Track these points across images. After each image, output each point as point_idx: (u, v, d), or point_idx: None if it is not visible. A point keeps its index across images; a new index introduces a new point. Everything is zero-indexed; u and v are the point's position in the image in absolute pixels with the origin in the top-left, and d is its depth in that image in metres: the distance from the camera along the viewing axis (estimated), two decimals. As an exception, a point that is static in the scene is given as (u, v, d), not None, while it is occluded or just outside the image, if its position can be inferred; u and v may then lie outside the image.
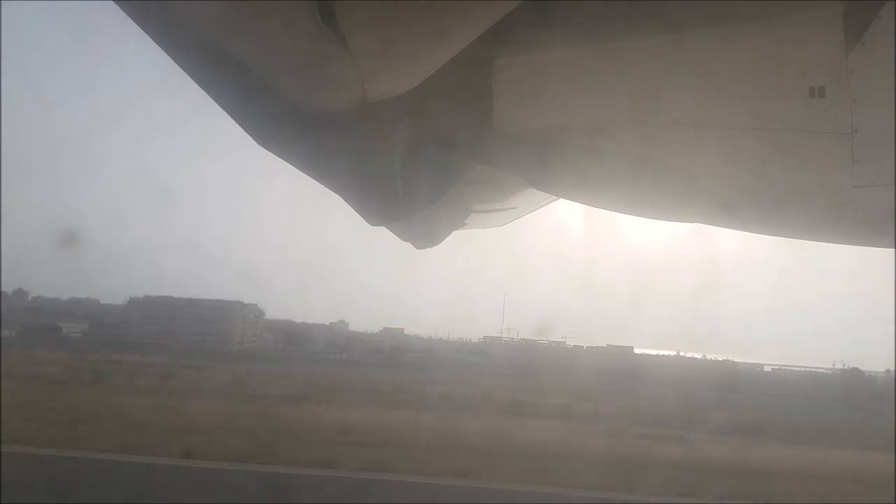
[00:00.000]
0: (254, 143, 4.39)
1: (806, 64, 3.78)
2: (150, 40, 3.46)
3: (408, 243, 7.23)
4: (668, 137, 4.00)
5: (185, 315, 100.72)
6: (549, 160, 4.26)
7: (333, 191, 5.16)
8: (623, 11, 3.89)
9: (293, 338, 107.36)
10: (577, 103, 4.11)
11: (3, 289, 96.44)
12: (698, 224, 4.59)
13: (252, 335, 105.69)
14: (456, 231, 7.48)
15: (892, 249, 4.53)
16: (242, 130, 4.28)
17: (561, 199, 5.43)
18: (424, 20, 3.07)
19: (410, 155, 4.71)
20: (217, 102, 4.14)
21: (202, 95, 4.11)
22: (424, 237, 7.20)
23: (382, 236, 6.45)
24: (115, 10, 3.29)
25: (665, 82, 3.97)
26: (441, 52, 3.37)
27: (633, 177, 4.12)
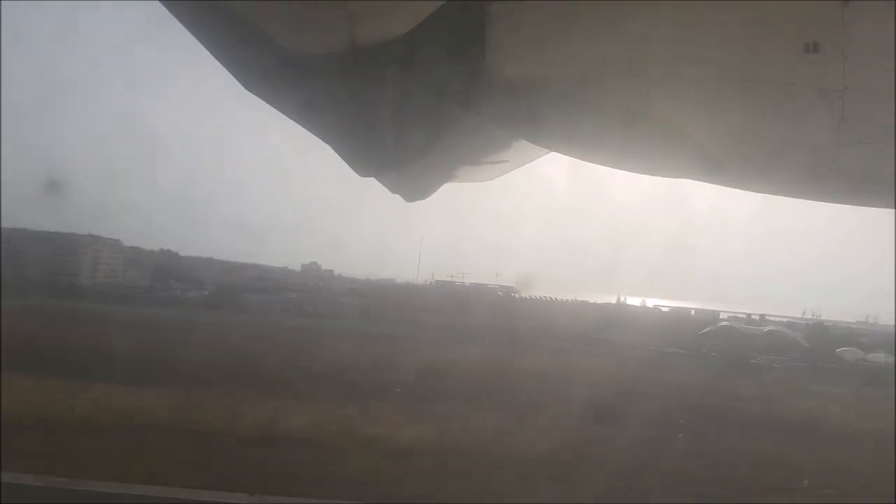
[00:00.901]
0: (242, 89, 4.35)
1: (801, 18, 3.75)
2: None
3: (397, 195, 7.21)
4: (661, 91, 3.97)
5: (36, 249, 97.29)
6: (540, 111, 4.23)
7: (323, 140, 5.12)
8: None
9: (164, 273, 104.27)
10: (570, 53, 4.06)
11: None
12: (686, 180, 4.60)
13: (108, 271, 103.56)
14: (446, 184, 7.46)
15: (878, 209, 4.57)
16: (230, 76, 4.24)
17: (551, 153, 5.41)
18: None
19: (401, 104, 4.67)
20: (204, 45, 4.08)
21: (190, 38, 4.05)
22: (415, 189, 7.17)
23: (372, 188, 6.45)
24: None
25: (658, 35, 3.92)
26: None
27: (624, 131, 4.10)
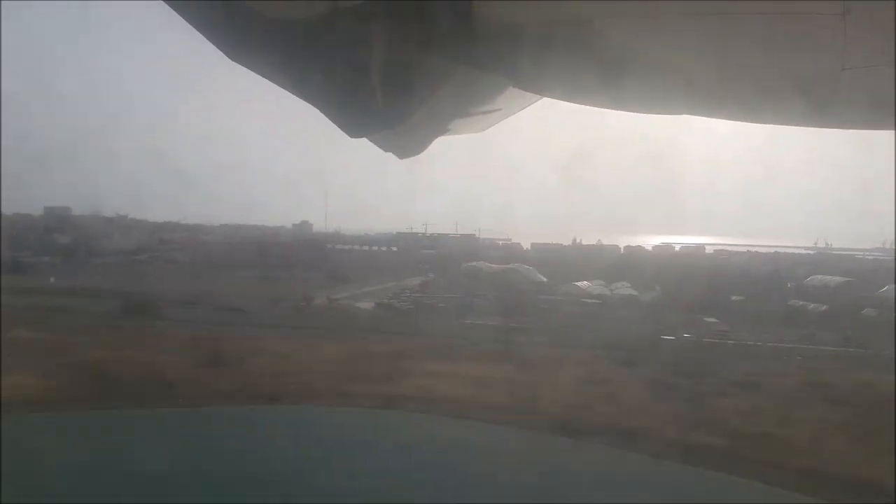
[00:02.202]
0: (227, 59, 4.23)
1: None
2: None
3: (390, 153, 7.09)
4: (655, 28, 3.85)
5: None
6: (532, 57, 4.11)
7: (311, 104, 5.00)
8: None
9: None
10: None
11: None
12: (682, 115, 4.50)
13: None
14: (439, 137, 7.34)
15: (883, 131, 4.49)
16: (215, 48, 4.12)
17: (545, 97, 5.29)
18: None
19: (388, 61, 4.53)
20: (185, 19, 3.95)
21: (171, 14, 3.93)
22: (407, 146, 7.05)
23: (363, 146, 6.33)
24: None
25: None
26: None
27: (617, 71, 3.99)
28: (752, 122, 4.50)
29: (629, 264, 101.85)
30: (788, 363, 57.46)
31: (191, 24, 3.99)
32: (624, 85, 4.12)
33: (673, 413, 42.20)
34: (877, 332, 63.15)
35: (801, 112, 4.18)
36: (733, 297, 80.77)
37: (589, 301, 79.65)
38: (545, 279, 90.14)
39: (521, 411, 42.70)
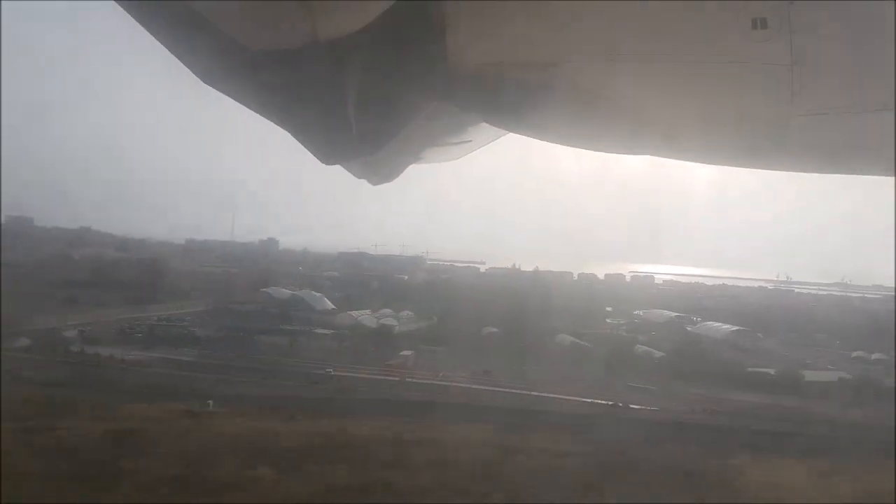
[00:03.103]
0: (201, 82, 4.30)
1: None
2: None
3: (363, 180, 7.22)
4: (617, 73, 4.06)
5: None
6: (502, 96, 4.28)
7: (287, 130, 5.10)
8: None
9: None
10: (529, 39, 4.11)
11: None
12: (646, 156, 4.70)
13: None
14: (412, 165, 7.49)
15: (832, 175, 4.75)
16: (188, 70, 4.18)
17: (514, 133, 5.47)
18: None
19: (364, 93, 4.67)
20: (162, 42, 4.02)
21: (145, 35, 3.99)
22: (380, 173, 7.19)
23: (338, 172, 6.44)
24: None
25: (612, 19, 4.00)
26: None
27: (584, 112, 4.18)
28: (708, 163, 4.73)
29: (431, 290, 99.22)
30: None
31: (167, 48, 4.06)
32: (590, 125, 4.32)
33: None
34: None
35: (753, 154, 4.42)
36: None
37: (324, 332, 72.35)
38: (332, 307, 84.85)
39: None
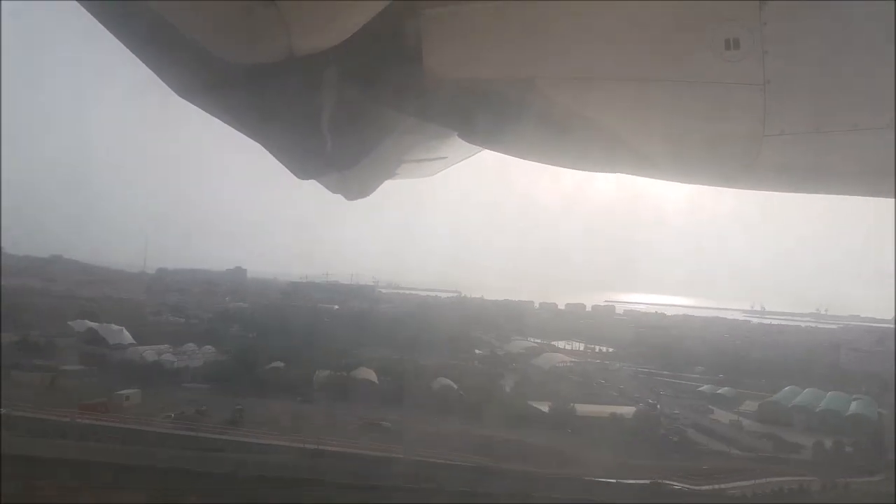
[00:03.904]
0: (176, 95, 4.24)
1: (721, 17, 3.91)
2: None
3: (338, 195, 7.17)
4: (591, 91, 4.09)
5: None
6: (477, 112, 4.29)
7: (261, 143, 5.05)
8: None
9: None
10: (503, 56, 4.13)
11: None
12: (621, 175, 4.74)
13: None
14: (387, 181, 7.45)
15: (803, 195, 4.82)
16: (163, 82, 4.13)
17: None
18: None
19: (339, 108, 4.64)
20: (134, 53, 3.96)
21: (120, 47, 3.93)
22: (356, 189, 7.15)
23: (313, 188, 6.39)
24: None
25: (586, 38, 4.04)
26: (370, 4, 3.32)
27: (559, 130, 4.20)
28: (681, 181, 4.77)
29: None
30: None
31: (143, 61, 4.00)
32: (564, 143, 4.33)
33: None
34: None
35: (726, 174, 4.47)
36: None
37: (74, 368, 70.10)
38: (130, 341, 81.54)
39: None
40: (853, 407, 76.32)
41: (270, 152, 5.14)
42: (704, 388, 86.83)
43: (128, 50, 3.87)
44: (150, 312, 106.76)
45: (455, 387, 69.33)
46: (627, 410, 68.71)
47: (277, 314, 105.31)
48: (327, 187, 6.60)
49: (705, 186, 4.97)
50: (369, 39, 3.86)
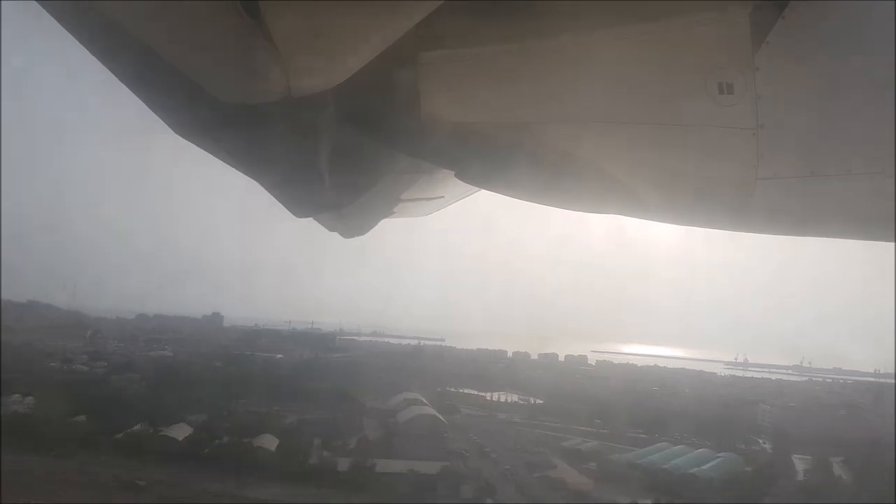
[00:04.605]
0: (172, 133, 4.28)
1: (716, 62, 3.98)
2: (64, 31, 3.33)
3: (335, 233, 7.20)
4: (586, 134, 4.14)
5: None
6: (475, 154, 4.33)
7: (258, 182, 5.08)
8: (540, 10, 3.98)
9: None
10: (500, 101, 4.19)
11: None
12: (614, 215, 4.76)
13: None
14: (384, 220, 7.50)
15: (794, 237, 4.84)
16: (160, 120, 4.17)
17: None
18: (350, 16, 3.06)
19: (337, 147, 4.69)
20: (134, 92, 4.01)
21: (119, 86, 3.97)
22: (352, 227, 7.19)
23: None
24: (29, 4, 3.17)
25: (581, 83, 4.10)
26: (368, 48, 3.37)
27: (553, 171, 4.24)
28: (673, 223, 4.80)
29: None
30: None
31: (139, 97, 4.04)
32: (558, 183, 4.37)
33: None
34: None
35: (718, 216, 4.50)
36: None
37: None
38: None
39: None
40: (709, 466, 77.74)
41: (268, 190, 5.17)
42: (569, 442, 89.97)
43: (112, 88, 3.90)
44: (61, 360, 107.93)
45: (274, 445, 70.13)
46: (432, 466, 70.38)
47: (188, 364, 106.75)
48: (324, 225, 6.65)
49: (698, 233, 5.00)
50: (367, 82, 3.91)
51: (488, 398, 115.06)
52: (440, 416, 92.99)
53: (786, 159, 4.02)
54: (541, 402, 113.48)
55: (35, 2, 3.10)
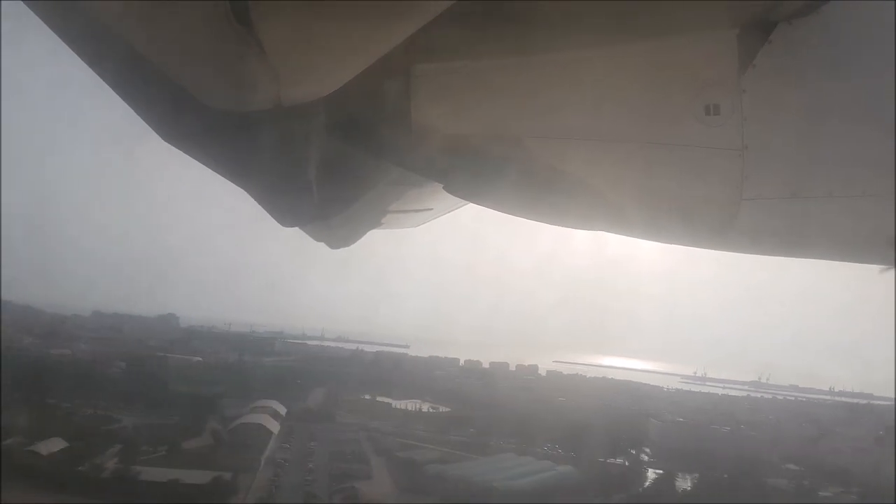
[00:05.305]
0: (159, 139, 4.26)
1: (703, 83, 4.03)
2: (52, 33, 3.30)
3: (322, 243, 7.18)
4: (574, 151, 4.17)
5: None
6: (463, 167, 4.34)
7: (245, 190, 5.05)
8: (533, 26, 4.01)
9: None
10: (490, 114, 4.21)
11: None
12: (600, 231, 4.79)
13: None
14: (372, 231, 7.49)
15: (777, 258, 4.89)
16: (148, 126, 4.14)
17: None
18: (343, 25, 3.06)
19: (326, 158, 4.68)
20: (122, 97, 3.99)
21: (107, 90, 3.95)
22: (339, 238, 7.17)
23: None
24: (18, 4, 3.14)
25: (571, 100, 4.14)
26: (361, 57, 3.38)
27: (541, 186, 4.26)
28: (657, 241, 4.84)
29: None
30: None
31: (128, 103, 4.01)
32: (546, 199, 4.40)
33: None
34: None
35: (703, 235, 4.53)
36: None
37: None
38: None
39: None
40: (526, 479, 79.52)
41: (254, 198, 5.14)
42: (411, 451, 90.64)
43: (100, 92, 3.88)
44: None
45: (57, 448, 68.85)
46: (202, 476, 71.56)
47: (75, 364, 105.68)
48: (311, 235, 6.62)
49: (680, 251, 5.05)
50: (358, 92, 3.92)
51: (394, 406, 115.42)
52: (268, 426, 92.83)
53: (770, 180, 4.07)
54: (447, 409, 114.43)
55: (22, 2, 3.08)
